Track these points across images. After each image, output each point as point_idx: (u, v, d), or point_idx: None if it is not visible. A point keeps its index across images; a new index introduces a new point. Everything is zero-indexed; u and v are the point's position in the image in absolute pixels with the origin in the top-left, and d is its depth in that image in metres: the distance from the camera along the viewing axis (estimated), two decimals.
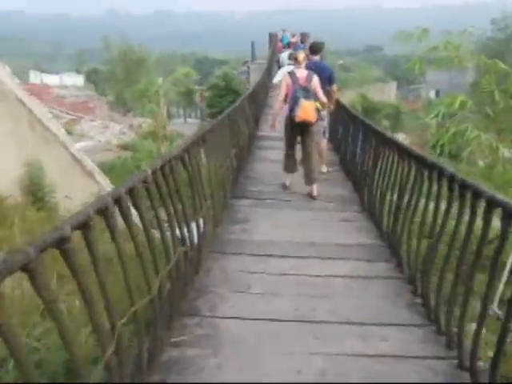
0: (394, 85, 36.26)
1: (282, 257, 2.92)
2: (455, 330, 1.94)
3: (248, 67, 18.31)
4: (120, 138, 16.96)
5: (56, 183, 5.59)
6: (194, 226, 2.51)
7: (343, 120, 5.90)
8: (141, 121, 18.72)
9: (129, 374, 1.50)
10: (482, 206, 1.80)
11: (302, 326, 2.15)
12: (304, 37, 15.80)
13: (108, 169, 10.39)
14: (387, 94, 31.71)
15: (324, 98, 4.26)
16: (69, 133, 15.54)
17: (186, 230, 2.29)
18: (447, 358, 1.93)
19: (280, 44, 16.26)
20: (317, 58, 4.92)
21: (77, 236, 1.23)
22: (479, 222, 1.85)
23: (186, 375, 1.76)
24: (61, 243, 1.11)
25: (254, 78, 15.59)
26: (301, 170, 4.44)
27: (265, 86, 10.50)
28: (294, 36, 16.04)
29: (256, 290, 2.46)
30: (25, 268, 0.97)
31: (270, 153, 5.81)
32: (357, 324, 2.17)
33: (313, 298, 2.41)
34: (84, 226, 1.24)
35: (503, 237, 1.62)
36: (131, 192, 1.60)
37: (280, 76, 5.67)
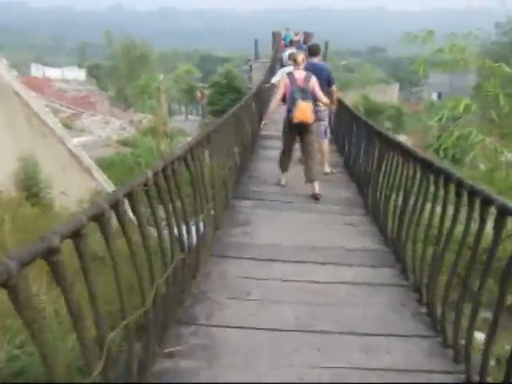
0: (396, 86, 36.23)
1: (284, 262, 2.83)
2: (463, 342, 1.85)
3: (250, 66, 18.22)
4: (120, 134, 16.84)
5: (52, 179, 5.48)
6: (193, 229, 2.42)
7: (347, 121, 5.82)
8: (141, 117, 18.61)
9: None
10: (489, 212, 1.72)
11: (302, 336, 2.05)
12: (307, 36, 15.72)
13: (107, 165, 10.30)
14: (389, 95, 31.67)
15: (324, 98, 4.32)
16: (69, 127, 15.47)
17: (185, 233, 2.20)
18: (454, 373, 1.84)
19: (283, 42, 16.17)
20: (316, 59, 4.98)
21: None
22: (486, 228, 1.77)
23: None
24: (48, 255, 1.01)
25: (257, 76, 15.49)
26: (301, 170, 4.43)
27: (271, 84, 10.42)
28: (297, 35, 15.97)
29: (255, 297, 2.37)
30: (4, 284, 0.87)
31: (274, 152, 5.72)
32: (360, 335, 2.08)
33: (314, 305, 2.32)
34: (75, 235, 1.14)
35: None
36: (130, 196, 1.51)
37: (279, 76, 5.72)
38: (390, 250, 3.08)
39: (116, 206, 1.38)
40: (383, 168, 3.44)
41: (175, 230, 2.07)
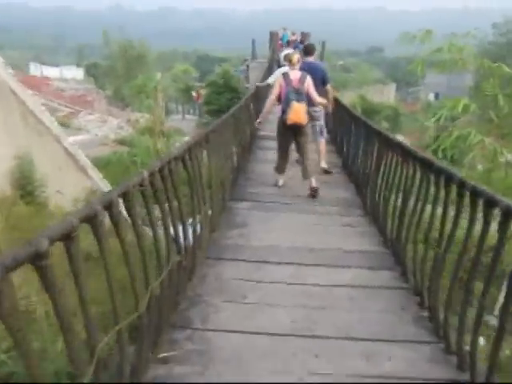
0: (393, 86, 36.28)
1: (281, 264, 2.78)
2: (467, 348, 1.80)
3: (247, 66, 18.18)
4: (117, 133, 16.75)
5: (48, 177, 5.42)
6: (189, 230, 2.37)
7: (345, 121, 5.78)
8: (138, 116, 18.51)
9: None
10: (493, 214, 1.67)
11: (300, 341, 2.00)
12: (304, 36, 15.71)
13: (103, 164, 10.23)
14: (386, 95, 31.69)
15: (319, 98, 4.35)
16: (66, 126, 15.37)
17: (181, 235, 2.15)
18: (458, 382, 1.78)
19: (280, 43, 16.15)
20: (311, 59, 5.03)
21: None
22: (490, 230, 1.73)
23: None
24: (36, 259, 0.96)
25: (254, 76, 15.44)
26: (299, 171, 4.47)
27: (266, 84, 10.38)
28: (294, 34, 15.95)
29: (252, 300, 2.32)
30: None
31: (271, 153, 5.68)
32: (359, 340, 2.03)
33: (312, 309, 2.27)
34: (66, 238, 1.09)
35: None
36: (125, 197, 1.46)
37: (275, 77, 5.76)
38: (389, 252, 3.03)
39: (110, 206, 1.33)
40: (382, 168, 3.39)
41: (171, 232, 2.02)
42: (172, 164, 1.97)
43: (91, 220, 1.22)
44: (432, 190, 2.33)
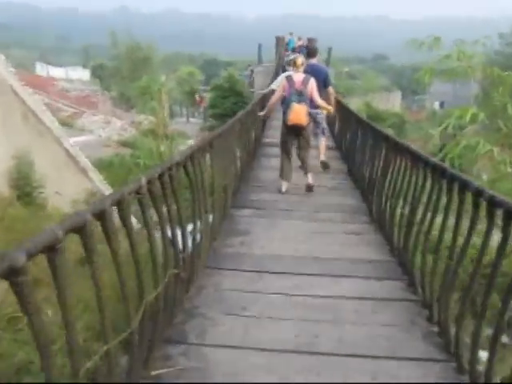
0: (398, 94, 36.24)
1: (283, 273, 2.66)
2: (481, 368, 1.67)
3: (251, 71, 18.21)
4: (121, 134, 16.75)
5: (47, 178, 5.34)
6: (189, 240, 2.26)
7: (350, 125, 5.69)
8: (142, 118, 18.51)
9: None
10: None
11: (303, 358, 1.88)
12: (311, 42, 15.67)
13: (106, 165, 10.18)
14: (392, 103, 31.65)
15: (321, 102, 4.41)
16: (69, 126, 15.36)
17: (180, 245, 2.03)
18: None
19: (286, 48, 16.12)
20: (313, 61, 5.15)
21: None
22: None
23: None
24: (11, 275, 0.85)
25: (259, 81, 15.40)
26: (302, 176, 4.55)
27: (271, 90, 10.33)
28: (300, 40, 15.93)
29: (252, 313, 2.19)
30: None
31: (275, 160, 5.59)
32: (365, 357, 1.90)
33: (316, 323, 2.14)
34: (49, 250, 0.98)
35: None
36: (119, 205, 1.35)
37: (278, 82, 5.89)
38: (396, 261, 2.91)
39: (102, 216, 1.22)
40: (389, 174, 3.28)
41: (170, 238, 1.91)
42: (173, 170, 1.87)
43: (80, 230, 1.11)
44: (438, 196, 2.22)
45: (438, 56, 6.91)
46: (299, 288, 2.48)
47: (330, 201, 4.24)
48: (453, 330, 1.90)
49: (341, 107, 7.04)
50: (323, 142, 5.38)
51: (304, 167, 4.51)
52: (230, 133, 3.70)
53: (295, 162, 4.57)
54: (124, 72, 27.20)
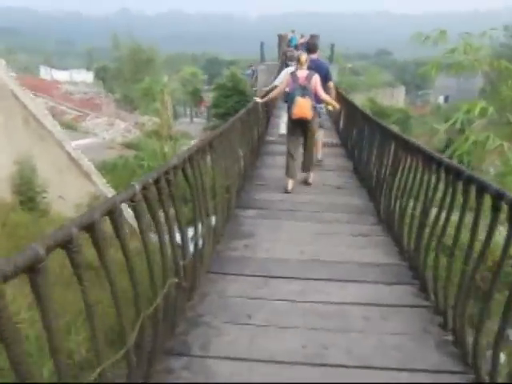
0: (402, 89, 35.90)
1: (289, 278, 2.57)
2: (501, 382, 1.57)
3: (252, 70, 18.12)
4: (125, 136, 16.75)
5: (49, 183, 5.30)
6: (191, 246, 2.17)
7: (356, 122, 5.57)
8: (146, 119, 18.50)
9: None
10: None
11: (310, 370, 1.79)
12: (312, 38, 15.48)
13: (110, 168, 10.16)
14: (396, 98, 31.35)
15: (326, 96, 4.43)
16: (73, 129, 15.39)
17: (180, 252, 1.95)
18: None
19: (288, 45, 15.99)
20: (314, 56, 5.11)
21: None
22: None
23: None
24: None
25: (262, 79, 15.29)
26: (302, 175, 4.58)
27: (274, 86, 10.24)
28: (303, 37, 15.80)
29: (257, 321, 2.11)
30: None
31: (279, 158, 5.49)
32: (376, 369, 1.81)
33: (324, 332, 2.05)
34: (30, 271, 0.90)
35: None
36: (111, 215, 1.27)
37: (281, 78, 5.94)
38: (406, 264, 2.80)
39: (91, 228, 1.14)
40: (399, 173, 3.16)
41: (169, 252, 1.82)
42: (170, 174, 1.79)
43: (65, 245, 1.04)
44: (452, 197, 2.12)
45: (443, 50, 6.75)
46: (305, 294, 2.39)
47: (335, 200, 4.13)
48: (470, 339, 1.80)
49: (345, 102, 6.93)
50: (321, 136, 5.40)
51: (306, 166, 4.51)
52: (232, 131, 3.61)
53: (300, 158, 4.52)
54: (127, 74, 27.24)
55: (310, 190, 4.46)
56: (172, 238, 1.82)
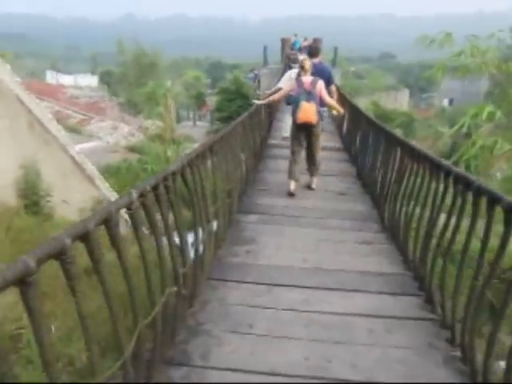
0: (406, 92, 35.75)
1: (292, 286, 2.52)
2: None
3: (254, 74, 18.15)
4: (129, 140, 16.81)
5: (53, 187, 5.31)
6: (191, 252, 2.14)
7: (361, 127, 5.51)
8: (150, 123, 18.57)
9: None
10: None
11: None
12: (315, 42, 15.52)
13: (113, 171, 10.18)
14: (399, 101, 31.22)
15: (331, 101, 4.47)
16: (78, 132, 15.46)
17: (180, 261, 1.91)
18: None
19: (291, 48, 16.01)
20: (316, 60, 5.15)
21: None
22: None
23: None
24: None
25: (265, 82, 15.29)
26: (306, 178, 4.61)
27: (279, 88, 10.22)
28: (306, 40, 15.82)
29: (259, 331, 2.06)
30: None
31: (283, 162, 5.45)
32: None
33: (327, 344, 2.00)
34: (21, 283, 0.88)
35: None
36: (107, 224, 1.24)
37: (284, 81, 5.90)
38: (411, 274, 2.74)
39: (85, 239, 1.12)
40: (405, 181, 3.10)
41: (169, 260, 1.79)
42: (169, 180, 1.76)
43: (58, 256, 1.01)
44: (465, 208, 2.05)
45: (447, 52, 6.69)
46: (308, 303, 2.34)
47: (338, 206, 4.08)
48: (480, 356, 1.72)
49: (349, 106, 6.89)
50: (321, 139, 5.46)
51: (311, 169, 4.53)
52: (234, 135, 3.58)
53: (303, 162, 4.50)
54: (131, 78, 27.42)
55: (313, 195, 4.42)
56: (171, 245, 1.79)
